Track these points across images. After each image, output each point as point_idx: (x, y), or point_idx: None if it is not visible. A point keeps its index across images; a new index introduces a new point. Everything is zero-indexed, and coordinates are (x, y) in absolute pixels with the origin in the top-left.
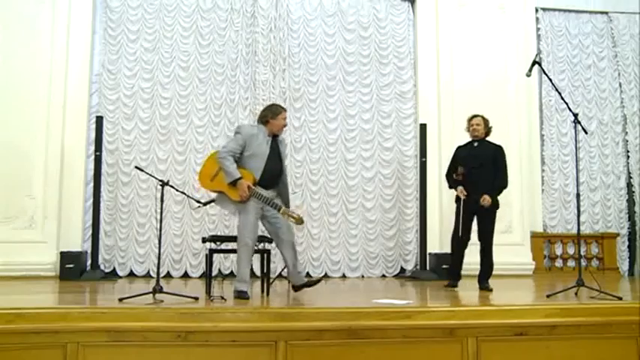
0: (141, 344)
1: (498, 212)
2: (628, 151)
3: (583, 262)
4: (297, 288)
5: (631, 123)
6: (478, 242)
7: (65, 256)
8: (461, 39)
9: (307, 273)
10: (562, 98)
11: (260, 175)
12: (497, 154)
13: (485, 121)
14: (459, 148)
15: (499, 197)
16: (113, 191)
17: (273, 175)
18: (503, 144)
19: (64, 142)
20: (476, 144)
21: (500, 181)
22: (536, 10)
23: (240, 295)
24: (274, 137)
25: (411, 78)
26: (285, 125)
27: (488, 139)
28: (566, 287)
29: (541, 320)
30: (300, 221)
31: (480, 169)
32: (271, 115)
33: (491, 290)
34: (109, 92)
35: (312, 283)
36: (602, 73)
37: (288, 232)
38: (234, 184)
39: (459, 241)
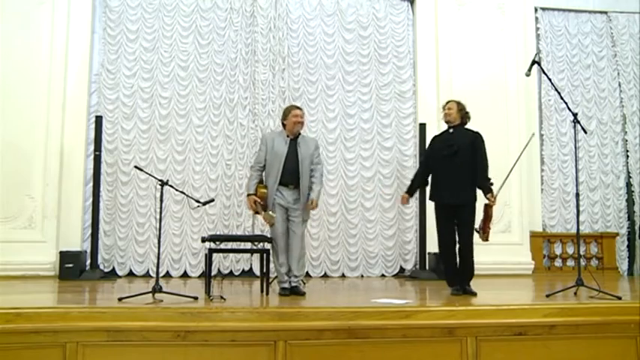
0: (140, 344)
1: (497, 211)
2: (627, 151)
3: (582, 262)
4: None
5: (630, 122)
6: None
7: (64, 256)
8: (460, 38)
9: (307, 273)
10: (561, 98)
11: (280, 174)
12: (475, 141)
13: (460, 106)
14: (434, 137)
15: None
16: (112, 191)
17: (292, 174)
18: (502, 144)
19: (64, 142)
20: (451, 130)
21: (483, 173)
22: (536, 10)
23: (281, 292)
24: (295, 138)
25: (411, 77)
26: (297, 122)
27: (468, 126)
28: (566, 287)
29: (540, 320)
30: (267, 219)
31: (454, 158)
32: (283, 117)
33: (475, 294)
34: (108, 92)
35: (299, 292)
36: (601, 72)
37: (295, 237)
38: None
39: (446, 247)
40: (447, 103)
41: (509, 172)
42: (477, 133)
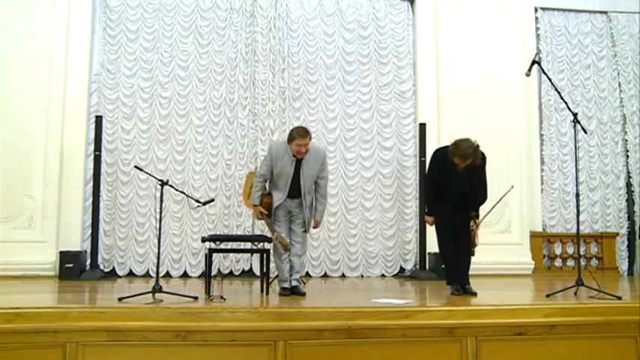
0: (140, 344)
1: (497, 211)
2: (627, 151)
3: (582, 262)
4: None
5: (630, 122)
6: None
7: (64, 256)
8: (460, 38)
9: (307, 273)
10: (561, 98)
11: (287, 192)
12: (481, 166)
13: (476, 151)
14: (440, 155)
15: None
16: (112, 191)
17: (297, 191)
18: (502, 144)
19: (64, 142)
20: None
21: (480, 200)
22: (536, 10)
23: (281, 292)
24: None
25: (411, 77)
26: (299, 152)
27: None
28: (566, 287)
29: (540, 320)
30: (281, 242)
31: (464, 189)
32: (289, 139)
33: (475, 294)
34: (108, 92)
35: (299, 292)
36: (601, 72)
37: (297, 237)
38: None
39: (450, 250)
40: (466, 157)
41: (491, 209)
42: (484, 156)
